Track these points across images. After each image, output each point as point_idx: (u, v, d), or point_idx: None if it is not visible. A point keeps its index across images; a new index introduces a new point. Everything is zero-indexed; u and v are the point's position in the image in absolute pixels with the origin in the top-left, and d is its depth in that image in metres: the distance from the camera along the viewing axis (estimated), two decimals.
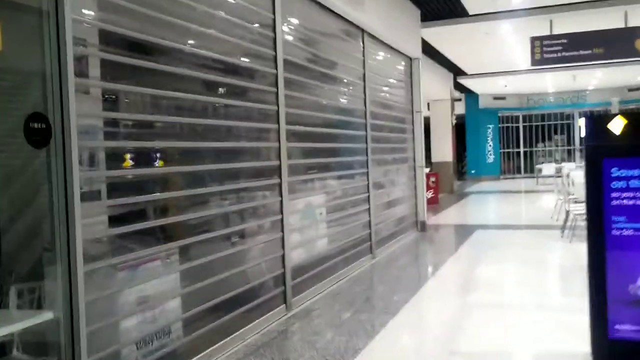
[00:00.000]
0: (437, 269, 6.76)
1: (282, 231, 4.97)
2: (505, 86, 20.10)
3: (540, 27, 10.23)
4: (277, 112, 4.95)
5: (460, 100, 21.69)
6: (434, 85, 15.73)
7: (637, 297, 3.25)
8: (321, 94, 6.18)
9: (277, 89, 4.96)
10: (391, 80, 8.94)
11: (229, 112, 4.47)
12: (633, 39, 8.97)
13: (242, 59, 4.63)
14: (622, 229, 3.26)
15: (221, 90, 4.41)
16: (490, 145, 23.19)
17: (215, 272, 4.09)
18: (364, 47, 7.41)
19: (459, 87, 19.32)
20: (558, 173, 17.16)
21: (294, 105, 5.37)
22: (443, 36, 11.64)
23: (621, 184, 3.27)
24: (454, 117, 17.79)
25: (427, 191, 12.83)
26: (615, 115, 5.64)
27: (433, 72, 15.27)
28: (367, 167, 7.32)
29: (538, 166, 20.62)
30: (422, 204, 9.88)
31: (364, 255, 7.06)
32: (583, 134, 5.81)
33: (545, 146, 23.86)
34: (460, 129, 20.97)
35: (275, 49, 4.94)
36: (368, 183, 7.32)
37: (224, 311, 4.16)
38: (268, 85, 4.89)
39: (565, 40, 9.52)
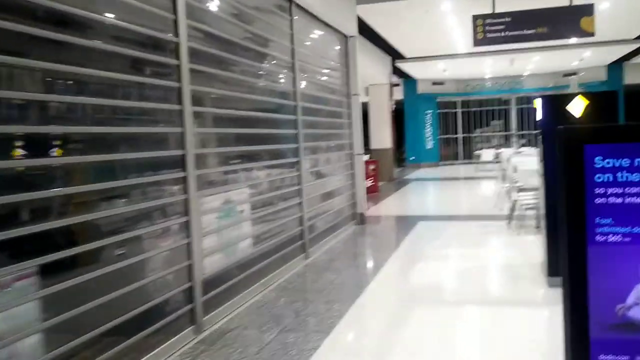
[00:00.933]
0: (378, 269, 6.02)
1: (189, 236, 4.05)
2: (444, 71, 19.72)
3: (482, 5, 9.63)
4: (180, 89, 3.99)
5: (398, 85, 21.21)
6: (372, 69, 15.05)
7: (626, 320, 2.55)
8: (241, 71, 5.26)
9: (180, 61, 4.00)
10: (325, 60, 8.10)
11: (109, 88, 3.48)
12: (578, 18, 8.51)
13: (123, 19, 3.62)
14: (607, 234, 2.55)
15: (92, 58, 3.39)
16: (429, 131, 22.88)
17: (96, 293, 3.16)
18: (292, 20, 6.51)
19: (397, 72, 18.77)
20: (497, 159, 16.95)
21: (203, 83, 4.44)
22: (381, 14, 10.90)
23: (607, 176, 2.55)
24: (393, 102, 17.23)
25: (366, 179, 12.19)
26: (574, 95, 5.06)
27: (371, 56, 14.59)
28: (299, 156, 6.47)
29: (477, 152, 20.44)
30: (361, 195, 9.15)
31: (296, 256, 6.22)
32: (539, 117, 5.19)
33: (483, 132, 23.80)
34: (399, 115, 20.51)
35: (175, 12, 3.98)
36: (300, 173, 6.48)
37: (111, 342, 3.24)
38: (166, 56, 3.93)
39: (508, 19, 8.96)
